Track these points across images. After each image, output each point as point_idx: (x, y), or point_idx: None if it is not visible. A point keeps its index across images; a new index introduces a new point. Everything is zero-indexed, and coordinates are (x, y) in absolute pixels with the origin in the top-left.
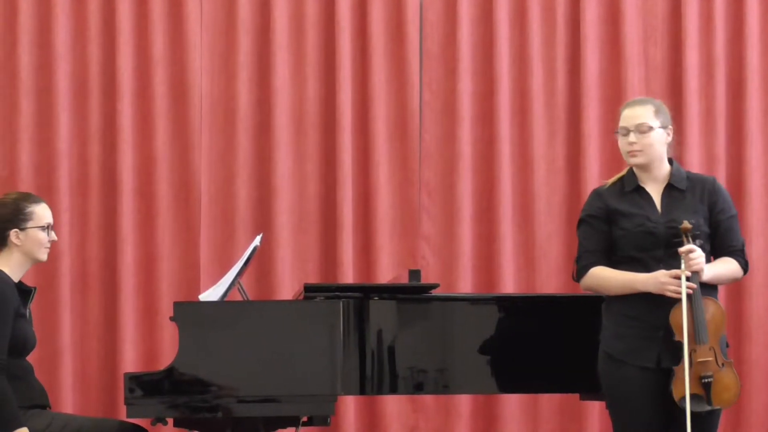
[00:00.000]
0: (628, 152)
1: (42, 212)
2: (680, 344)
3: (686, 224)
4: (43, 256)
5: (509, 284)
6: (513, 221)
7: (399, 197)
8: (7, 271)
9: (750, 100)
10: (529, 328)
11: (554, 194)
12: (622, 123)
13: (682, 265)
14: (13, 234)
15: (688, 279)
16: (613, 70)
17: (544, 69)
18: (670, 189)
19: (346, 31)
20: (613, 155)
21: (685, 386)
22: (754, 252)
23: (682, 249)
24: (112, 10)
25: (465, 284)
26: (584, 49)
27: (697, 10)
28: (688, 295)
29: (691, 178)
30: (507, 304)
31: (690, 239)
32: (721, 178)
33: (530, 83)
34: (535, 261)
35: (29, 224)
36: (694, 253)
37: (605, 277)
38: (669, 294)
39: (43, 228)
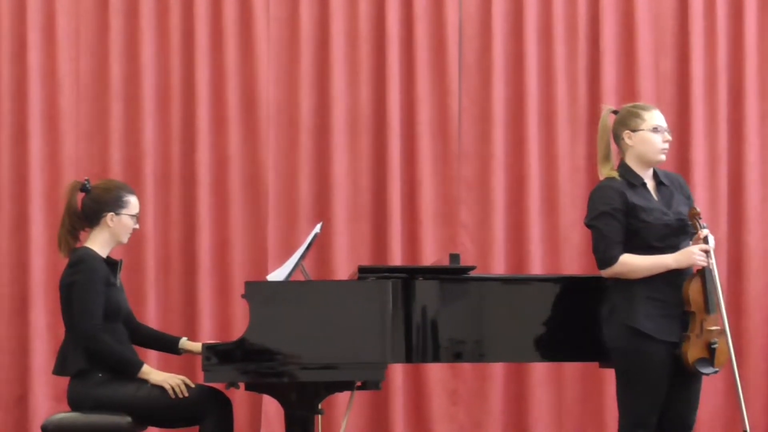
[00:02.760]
0: (662, 150)
1: (135, 203)
2: (691, 314)
3: (696, 210)
4: (126, 239)
5: (537, 266)
6: (540, 211)
7: (440, 191)
8: (95, 247)
9: (749, 106)
10: (555, 304)
11: (576, 188)
12: (658, 122)
13: (711, 242)
14: (109, 216)
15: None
16: (628, 80)
17: (567, 79)
18: (659, 185)
19: (395, 45)
20: None
21: (716, 351)
22: (751, 239)
23: (702, 234)
24: (191, 27)
25: (498, 266)
26: (603, 61)
27: (702, 27)
28: (704, 270)
29: (668, 175)
30: (535, 283)
31: (700, 223)
32: (723, 174)
33: (555, 91)
34: (560, 246)
35: (123, 211)
36: (710, 236)
37: (635, 263)
38: (699, 264)
39: (132, 216)
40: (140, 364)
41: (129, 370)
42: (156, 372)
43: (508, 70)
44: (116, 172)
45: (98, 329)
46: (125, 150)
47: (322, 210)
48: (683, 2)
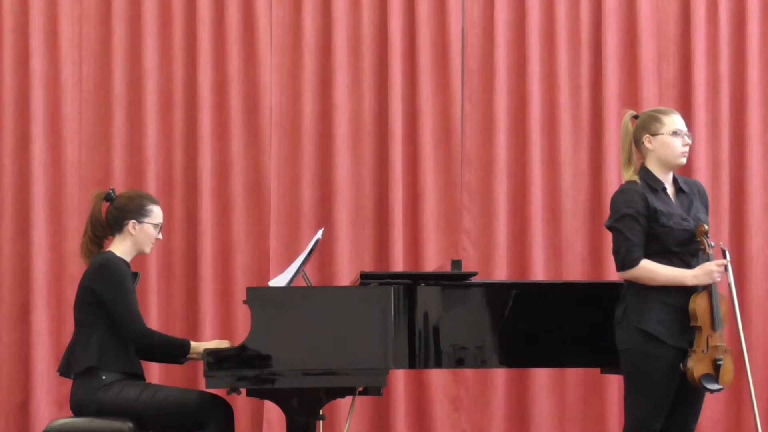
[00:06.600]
0: (683, 153)
1: (158, 213)
2: (697, 329)
3: (705, 227)
4: (148, 249)
5: (539, 272)
6: (542, 218)
7: (443, 197)
8: (117, 253)
9: (750, 113)
10: (557, 310)
11: (579, 195)
12: (677, 126)
13: (727, 257)
14: (131, 224)
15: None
16: (631, 86)
17: (570, 85)
18: (678, 190)
19: (397, 52)
20: None
21: (709, 367)
22: (753, 245)
23: (718, 261)
24: (194, 33)
25: (500, 272)
26: (605, 67)
27: (705, 34)
28: (710, 287)
29: (688, 182)
30: (537, 289)
31: (708, 242)
32: (725, 181)
33: (558, 97)
34: (562, 253)
35: (146, 219)
36: (726, 251)
37: (655, 271)
38: (717, 280)
39: (155, 225)
40: (188, 344)
41: (182, 351)
42: (203, 343)
43: (511, 77)
44: (118, 178)
45: (144, 325)
46: (128, 156)
47: (324, 216)
48: (686, 9)
